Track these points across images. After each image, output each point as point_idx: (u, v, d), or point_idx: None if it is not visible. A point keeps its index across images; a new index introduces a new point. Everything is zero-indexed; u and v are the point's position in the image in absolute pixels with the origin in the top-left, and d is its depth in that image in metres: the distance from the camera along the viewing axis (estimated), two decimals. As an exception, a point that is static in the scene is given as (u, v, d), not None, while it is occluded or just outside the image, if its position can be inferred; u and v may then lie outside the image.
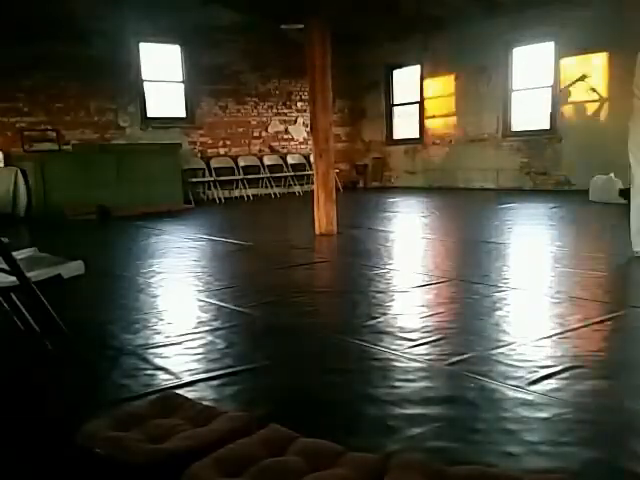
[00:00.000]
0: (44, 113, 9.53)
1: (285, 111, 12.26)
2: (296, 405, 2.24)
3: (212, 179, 10.98)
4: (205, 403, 2.16)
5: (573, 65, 9.84)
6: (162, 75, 10.93)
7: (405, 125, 12.91)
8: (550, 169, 10.45)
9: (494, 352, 2.66)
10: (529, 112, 10.86)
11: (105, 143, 9.87)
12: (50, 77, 9.44)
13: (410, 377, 2.43)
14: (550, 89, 10.29)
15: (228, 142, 11.52)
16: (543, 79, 10.41)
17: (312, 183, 6.63)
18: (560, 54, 9.98)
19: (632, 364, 2.56)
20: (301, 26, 7.78)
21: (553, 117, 10.31)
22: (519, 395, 2.19)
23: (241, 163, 11.48)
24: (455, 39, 11.22)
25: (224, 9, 10.79)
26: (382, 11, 10.65)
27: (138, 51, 10.38)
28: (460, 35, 11.09)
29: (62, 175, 8.42)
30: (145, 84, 10.58)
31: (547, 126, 10.43)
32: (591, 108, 9.76)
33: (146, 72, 10.56)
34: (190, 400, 2.04)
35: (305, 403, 2.26)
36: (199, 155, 11.16)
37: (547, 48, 10.20)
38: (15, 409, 2.29)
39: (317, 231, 6.40)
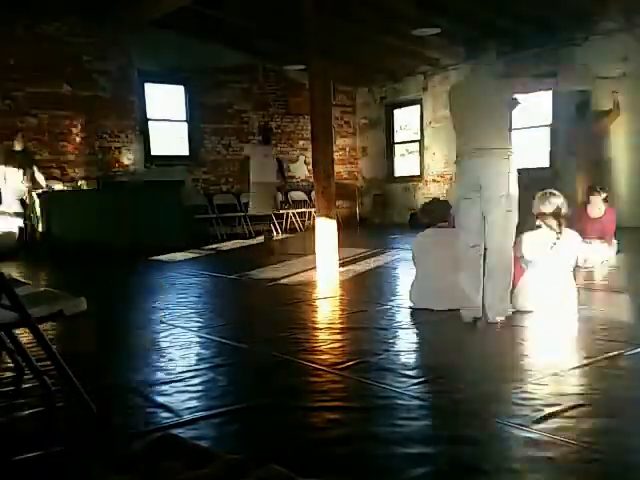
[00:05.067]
0: (49, 151, 9.64)
1: (287, 149, 12.40)
2: (297, 444, 2.21)
3: (214, 216, 11.04)
4: (204, 442, 2.14)
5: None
6: (166, 114, 11.12)
7: (405, 162, 13.05)
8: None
9: (498, 390, 2.63)
10: (529, 150, 10.97)
11: (108, 180, 9.94)
12: (55, 116, 9.58)
13: (413, 415, 2.40)
14: (548, 128, 10.43)
15: (230, 179, 11.63)
16: (541, 118, 10.55)
17: (314, 219, 6.66)
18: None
19: (636, 402, 2.53)
20: (302, 67, 7.97)
21: (552, 155, 10.40)
22: (524, 434, 2.16)
23: (243, 200, 11.54)
24: (454, 80, 11.41)
25: (227, 50, 11.04)
26: (382, 55, 10.90)
27: (143, 91, 10.57)
28: (459, 76, 11.29)
29: (65, 212, 8.47)
30: (149, 123, 10.75)
31: (547, 164, 10.52)
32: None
33: (150, 111, 10.74)
34: (187, 442, 2.02)
35: (306, 442, 2.22)
36: (202, 192, 11.25)
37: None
38: (13, 450, 2.26)
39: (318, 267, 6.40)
